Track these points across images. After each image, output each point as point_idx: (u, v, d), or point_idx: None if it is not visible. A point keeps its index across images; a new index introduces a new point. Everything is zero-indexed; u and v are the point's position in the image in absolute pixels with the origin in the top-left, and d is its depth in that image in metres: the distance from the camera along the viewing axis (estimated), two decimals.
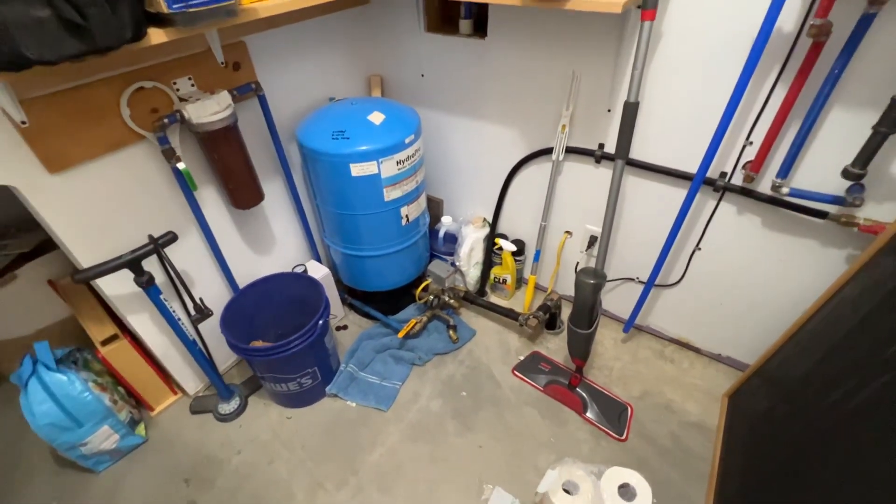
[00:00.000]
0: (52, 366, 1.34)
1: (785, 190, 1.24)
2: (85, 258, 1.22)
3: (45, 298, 1.69)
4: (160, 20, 0.94)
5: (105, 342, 1.47)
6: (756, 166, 1.26)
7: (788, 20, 1.06)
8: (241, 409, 1.66)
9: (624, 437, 1.53)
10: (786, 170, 1.21)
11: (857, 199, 1.14)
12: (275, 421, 1.63)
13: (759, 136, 1.23)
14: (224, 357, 1.77)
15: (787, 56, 1.10)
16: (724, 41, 1.15)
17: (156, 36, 0.93)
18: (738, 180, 1.34)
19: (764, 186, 1.30)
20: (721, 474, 1.36)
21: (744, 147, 1.28)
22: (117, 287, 1.32)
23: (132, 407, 1.58)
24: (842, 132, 1.11)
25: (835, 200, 1.18)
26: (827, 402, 1.00)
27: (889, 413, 0.80)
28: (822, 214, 1.24)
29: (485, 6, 1.49)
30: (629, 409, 1.61)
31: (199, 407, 1.66)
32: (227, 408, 1.63)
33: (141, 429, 1.59)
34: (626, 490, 1.19)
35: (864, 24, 0.95)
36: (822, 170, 1.19)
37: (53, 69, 0.80)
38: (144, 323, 1.44)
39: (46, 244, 1.70)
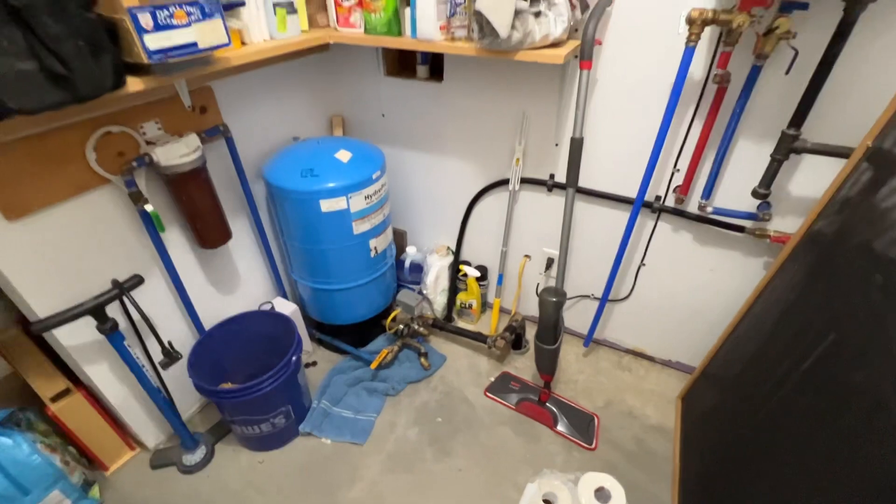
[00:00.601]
0: None
1: (709, 209, 1.44)
2: (41, 307, 1.16)
3: None
4: (137, 69, 0.97)
5: (55, 398, 1.37)
6: (684, 190, 1.46)
7: (697, 70, 1.27)
8: (208, 458, 1.58)
9: (593, 445, 1.62)
10: (708, 192, 1.41)
11: (766, 215, 1.36)
12: (246, 467, 1.57)
13: (684, 164, 1.43)
14: (187, 405, 1.69)
15: (699, 98, 1.31)
16: (649, 86, 1.35)
17: (133, 84, 0.97)
18: (670, 202, 1.53)
19: (692, 207, 1.50)
20: (682, 471, 1.48)
21: (672, 174, 1.47)
22: (75, 336, 1.26)
23: (84, 467, 1.46)
24: (748, 159, 1.33)
25: (749, 216, 1.39)
26: (760, 394, 1.14)
27: (811, 397, 0.94)
28: (740, 229, 1.44)
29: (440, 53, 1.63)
30: (596, 418, 1.71)
31: (160, 460, 1.56)
32: (192, 458, 1.55)
33: (95, 491, 1.47)
34: (601, 493, 1.27)
35: (755, 73, 1.17)
36: (736, 191, 1.40)
37: (28, 117, 0.81)
38: (103, 373, 1.37)
39: None
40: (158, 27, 0.92)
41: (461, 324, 2.15)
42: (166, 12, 0.92)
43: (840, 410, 0.84)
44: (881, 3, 0.98)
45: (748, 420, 1.17)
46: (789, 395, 1.03)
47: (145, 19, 0.89)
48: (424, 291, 2.04)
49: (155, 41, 0.92)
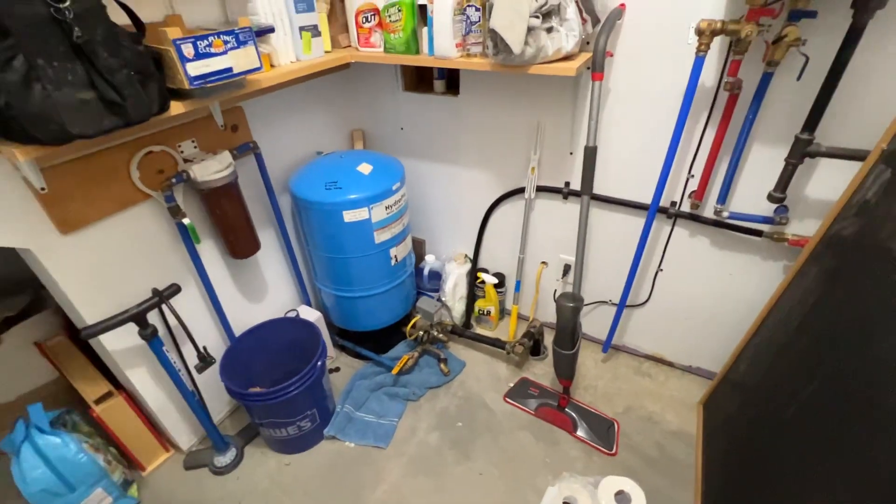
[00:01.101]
0: (47, 428, 1.32)
1: (725, 213, 1.45)
2: (89, 315, 1.25)
3: (30, 362, 1.66)
4: (179, 94, 1.06)
5: (99, 400, 1.46)
6: (699, 195, 1.47)
7: (709, 78, 1.30)
8: (238, 460, 1.64)
9: (613, 451, 1.62)
10: (723, 196, 1.42)
11: (784, 219, 1.36)
12: (273, 469, 1.63)
13: (698, 170, 1.45)
14: (218, 409, 1.76)
15: (711, 105, 1.33)
16: (661, 95, 1.38)
17: (175, 108, 1.05)
18: (686, 207, 1.54)
19: (708, 211, 1.51)
20: (704, 477, 1.47)
21: (687, 179, 1.49)
22: (118, 342, 1.35)
23: (125, 467, 1.54)
24: (763, 164, 1.34)
25: (766, 220, 1.40)
26: (783, 399, 1.14)
27: (833, 402, 0.94)
28: (757, 233, 1.44)
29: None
30: (615, 424, 1.71)
31: (193, 462, 1.63)
32: (223, 460, 1.62)
33: (133, 490, 1.54)
34: (621, 496, 1.27)
35: (766, 80, 1.19)
36: (752, 195, 1.41)
37: (84, 141, 0.89)
38: (142, 377, 1.45)
39: (31, 307, 1.69)
40: (199, 56, 1.00)
41: (479, 330, 2.19)
42: (206, 42, 1.01)
43: (863, 414, 0.84)
44: (889, 10, 1.00)
45: (771, 426, 1.17)
46: (812, 400, 1.03)
47: (187, 49, 0.98)
48: (443, 298, 2.09)
49: (195, 68, 1.00)
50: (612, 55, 1.38)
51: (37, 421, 1.31)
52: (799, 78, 1.16)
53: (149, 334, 1.28)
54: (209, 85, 1.05)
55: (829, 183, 1.28)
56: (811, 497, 0.93)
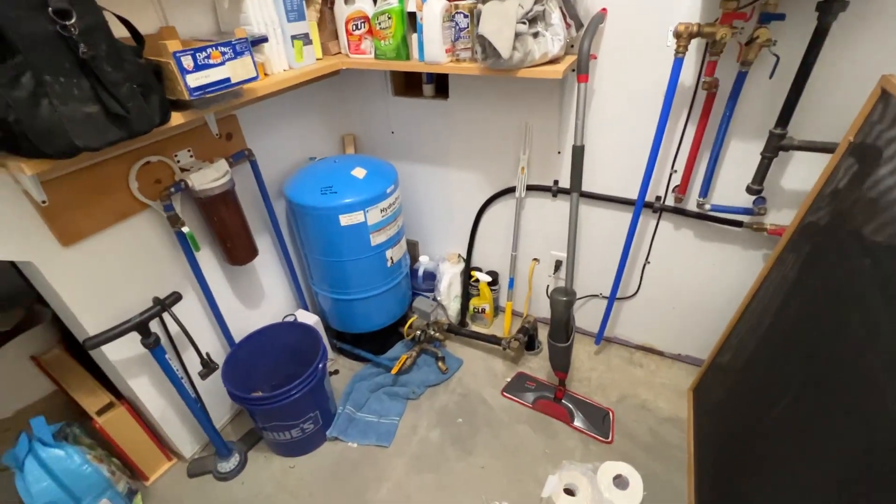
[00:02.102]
0: (50, 441, 1.32)
1: (707, 206, 1.52)
2: (91, 326, 1.25)
3: (26, 377, 1.65)
4: (179, 105, 1.08)
5: (100, 411, 1.46)
6: (682, 189, 1.54)
7: (687, 78, 1.36)
8: (242, 465, 1.66)
9: (610, 439, 1.68)
10: (705, 190, 1.49)
11: (762, 209, 1.43)
12: (278, 472, 1.64)
13: (681, 165, 1.51)
14: (219, 415, 1.77)
15: (690, 104, 1.40)
16: (643, 94, 1.44)
17: (176, 119, 1.07)
18: (670, 202, 1.61)
19: (691, 205, 1.58)
20: (697, 459, 1.54)
21: (670, 174, 1.56)
22: (120, 352, 1.35)
23: (128, 477, 1.54)
24: (741, 158, 1.41)
25: (746, 212, 1.47)
26: (767, 380, 1.21)
27: (813, 381, 1.01)
28: (738, 224, 1.52)
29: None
30: (611, 413, 1.77)
31: (197, 469, 1.64)
32: (227, 466, 1.63)
33: (138, 500, 1.55)
34: (619, 480, 1.33)
35: (741, 79, 1.26)
36: (732, 188, 1.48)
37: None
38: (144, 386, 1.46)
39: (25, 322, 1.68)
40: (198, 67, 1.02)
41: (475, 328, 2.23)
42: (204, 53, 1.03)
43: (841, 390, 0.90)
44: (850, 13, 1.07)
45: (758, 407, 1.23)
46: (793, 380, 1.09)
47: (187, 61, 1.00)
48: (438, 298, 2.12)
49: (195, 80, 1.03)
50: (595, 58, 1.44)
51: (40, 434, 1.31)
52: (771, 76, 1.23)
53: (151, 343, 1.30)
54: (208, 95, 1.07)
55: (802, 174, 1.36)
56: (798, 473, 0.99)
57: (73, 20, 0.78)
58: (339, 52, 1.65)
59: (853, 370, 0.88)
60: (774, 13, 1.12)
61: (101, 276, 1.25)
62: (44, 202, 1.07)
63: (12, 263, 1.20)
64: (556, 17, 1.28)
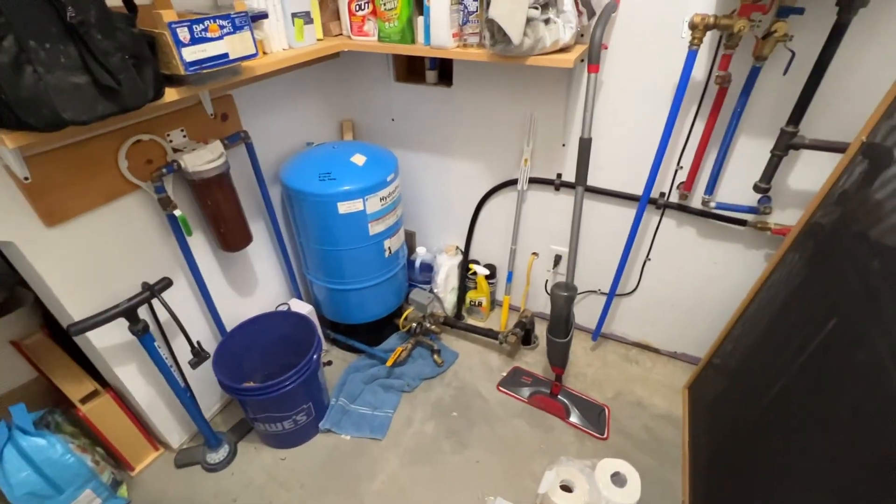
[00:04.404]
0: (31, 430, 1.27)
1: (712, 204, 1.50)
2: (76, 311, 1.20)
3: (6, 363, 1.58)
4: (173, 80, 1.02)
5: (84, 399, 1.41)
6: (688, 186, 1.52)
7: (699, 71, 1.34)
8: (232, 456, 1.62)
9: (605, 435, 1.67)
10: (711, 187, 1.47)
11: (767, 208, 1.42)
12: (269, 463, 1.61)
13: (687, 161, 1.49)
14: (208, 405, 1.73)
15: (701, 98, 1.38)
16: (654, 87, 1.41)
17: (170, 94, 1.01)
18: (674, 198, 1.59)
19: (696, 202, 1.56)
20: (692, 456, 1.54)
21: (676, 171, 1.54)
22: (106, 338, 1.30)
23: (113, 468, 1.50)
24: (749, 155, 1.39)
25: (750, 210, 1.46)
26: (765, 380, 1.20)
27: (814, 380, 1.00)
28: (742, 222, 1.50)
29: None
30: (606, 409, 1.76)
31: (185, 459, 1.60)
32: (216, 457, 1.59)
33: (123, 490, 1.50)
34: (617, 478, 1.32)
35: (754, 74, 1.24)
36: (738, 186, 1.46)
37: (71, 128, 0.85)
38: (131, 374, 1.41)
39: (7, 305, 1.60)
40: (195, 40, 0.97)
41: (471, 321, 2.21)
42: (201, 26, 0.97)
43: (842, 392, 0.90)
44: (872, 8, 1.05)
45: (754, 406, 1.22)
46: (793, 380, 1.08)
47: (183, 33, 0.94)
48: (435, 290, 2.09)
49: (191, 54, 0.97)
50: (607, 47, 1.40)
51: (20, 422, 1.26)
52: (785, 72, 1.21)
53: (140, 330, 1.24)
54: (205, 71, 1.02)
55: (811, 174, 1.34)
56: (791, 473, 0.98)
57: None
58: (341, 34, 1.60)
59: (860, 373, 0.87)
60: (794, 7, 1.09)
61: (87, 260, 1.19)
62: (26, 179, 1.01)
63: None
64: (568, 3, 1.24)
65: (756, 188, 1.36)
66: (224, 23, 1.01)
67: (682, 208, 1.59)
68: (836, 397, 0.91)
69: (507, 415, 1.77)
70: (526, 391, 1.83)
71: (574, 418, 1.73)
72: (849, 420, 0.85)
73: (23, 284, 1.46)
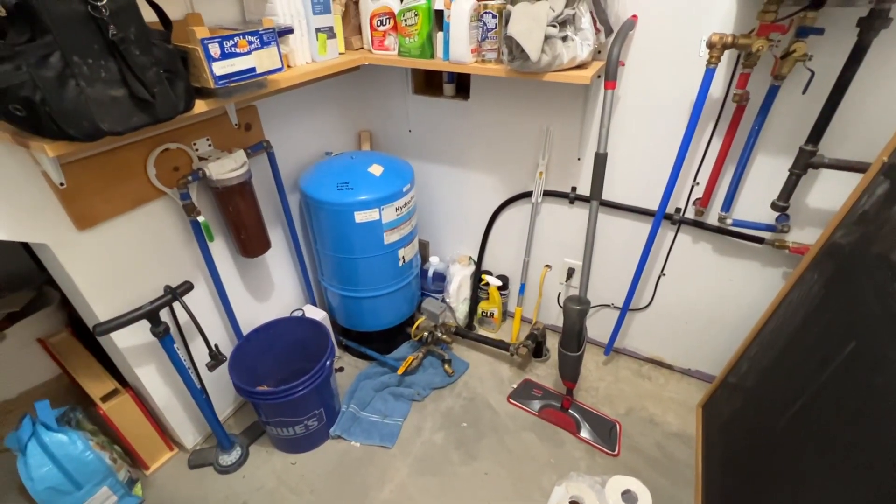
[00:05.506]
0: (54, 425, 1.31)
1: (729, 221, 1.49)
2: (102, 311, 1.24)
3: (32, 359, 1.64)
4: (203, 93, 1.06)
5: (105, 398, 1.45)
6: (704, 202, 1.51)
7: (717, 89, 1.34)
8: (243, 458, 1.64)
9: (616, 451, 1.65)
10: (728, 204, 1.46)
11: (785, 227, 1.41)
12: (279, 468, 1.63)
13: (704, 178, 1.49)
14: (222, 407, 1.76)
15: (718, 116, 1.38)
16: (670, 104, 1.42)
17: (199, 106, 1.05)
18: (690, 214, 1.59)
19: (712, 218, 1.55)
20: (705, 477, 1.51)
21: (692, 187, 1.53)
22: (129, 339, 1.34)
23: (129, 466, 1.53)
24: (767, 173, 1.39)
25: (768, 228, 1.44)
26: (782, 402, 1.18)
27: (833, 404, 0.98)
28: (759, 240, 1.49)
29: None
30: (618, 425, 1.74)
31: (198, 460, 1.63)
32: (228, 459, 1.61)
33: (138, 488, 1.53)
34: (628, 496, 1.30)
35: (773, 92, 1.23)
36: (756, 203, 1.45)
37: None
38: (150, 375, 1.45)
39: (35, 303, 1.67)
40: (224, 55, 1.01)
41: (482, 332, 2.21)
42: (231, 42, 1.02)
43: (861, 418, 0.88)
44: (893, 30, 1.04)
45: (770, 428, 1.20)
46: (810, 403, 1.06)
47: (214, 49, 0.98)
48: (447, 300, 2.10)
49: (221, 68, 1.01)
50: (624, 64, 1.42)
51: (44, 418, 1.30)
52: (804, 92, 1.21)
53: (161, 332, 1.28)
54: (233, 84, 1.06)
55: (830, 193, 1.33)
56: (808, 498, 0.96)
57: (104, 1, 0.77)
58: (362, 48, 1.64)
59: (878, 396, 0.85)
60: (813, 27, 1.10)
61: (114, 262, 1.24)
62: (62, 185, 1.06)
63: (24, 245, 1.19)
64: (586, 21, 1.26)
65: (774, 206, 1.35)
66: (252, 38, 1.06)
67: (699, 224, 1.58)
68: (855, 422, 0.89)
69: (517, 427, 1.76)
70: (536, 404, 1.83)
71: (585, 433, 1.71)
72: (867, 446, 0.84)
73: (50, 284, 1.53)
